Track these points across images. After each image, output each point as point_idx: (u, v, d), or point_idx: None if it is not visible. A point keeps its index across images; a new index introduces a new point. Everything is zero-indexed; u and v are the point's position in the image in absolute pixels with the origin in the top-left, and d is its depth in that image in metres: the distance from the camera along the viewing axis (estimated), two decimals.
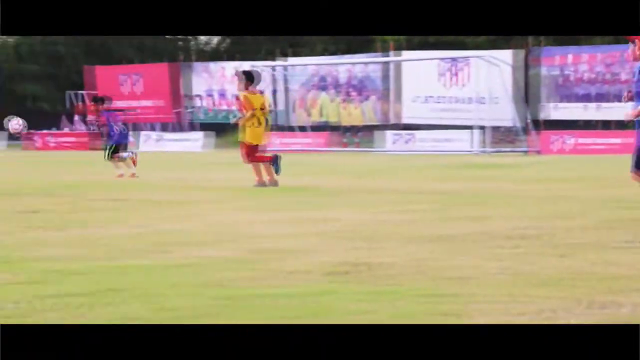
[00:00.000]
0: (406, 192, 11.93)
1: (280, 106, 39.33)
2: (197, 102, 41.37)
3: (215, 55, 55.88)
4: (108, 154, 16.95)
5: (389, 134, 34.81)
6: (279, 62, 41.16)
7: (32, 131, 41.81)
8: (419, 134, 33.70)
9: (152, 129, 43.22)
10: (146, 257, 6.02)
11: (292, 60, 39.80)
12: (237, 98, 13.78)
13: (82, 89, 45.59)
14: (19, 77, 61.49)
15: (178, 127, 42.77)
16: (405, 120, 36.42)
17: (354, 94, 37.75)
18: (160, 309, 4.32)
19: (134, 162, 16.87)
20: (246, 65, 40.38)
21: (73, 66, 60.95)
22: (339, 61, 38.50)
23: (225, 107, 40.64)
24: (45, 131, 42.70)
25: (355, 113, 37.77)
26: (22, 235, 7.31)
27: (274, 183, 13.05)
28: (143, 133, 40.38)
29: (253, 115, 13.38)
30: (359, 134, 38.37)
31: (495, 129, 33.34)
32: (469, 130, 32.78)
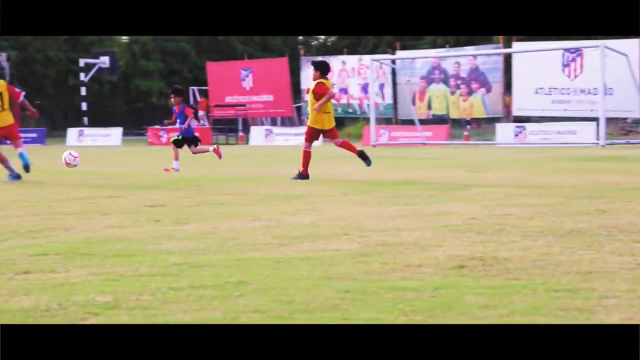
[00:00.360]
0: (522, 186, 11.67)
1: (389, 100, 39.16)
2: (306, 97, 41.56)
3: (331, 50, 56.18)
4: (175, 142, 17.21)
5: (500, 126, 34.24)
6: (387, 56, 40.94)
7: (157, 127, 42.72)
8: (530, 126, 33.02)
9: (274, 123, 43.59)
10: (273, 251, 6.02)
11: (400, 54, 39.51)
12: (318, 85, 13.79)
13: (205, 85, 46.32)
14: (143, 74, 62.99)
15: (289, 122, 43.02)
16: (517, 112, 35.82)
17: (463, 86, 37.28)
18: (289, 302, 4.30)
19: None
20: (354, 60, 40.50)
21: (196, 62, 62.14)
22: (449, 54, 38.02)
23: (333, 101, 40.74)
24: (170, 127, 43.49)
25: (465, 106, 37.31)
26: (152, 228, 7.40)
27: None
28: (255, 128, 40.70)
29: (333, 95, 13.87)
30: (468, 127, 37.94)
31: (616, 120, 32.30)
32: (583, 122, 31.97)
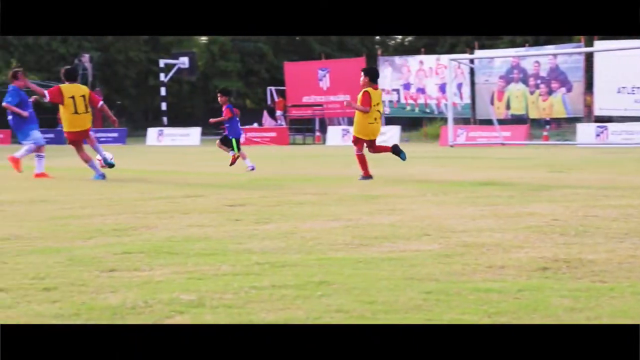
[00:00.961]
0: (605, 187, 11.45)
1: (467, 99, 38.85)
2: (386, 96, 41.41)
3: (408, 50, 56.00)
4: (237, 147, 17.30)
5: (581, 126, 33.67)
6: (465, 55, 40.59)
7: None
8: (612, 126, 32.40)
9: (350, 123, 43.60)
10: (353, 251, 6.02)
11: (479, 53, 39.13)
12: (363, 95, 13.83)
13: (282, 85, 46.55)
14: (221, 75, 63.59)
15: None
16: (598, 112, 35.21)
17: (542, 86, 36.78)
18: (371, 302, 4.29)
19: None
20: (431, 59, 40.28)
21: (274, 62, 62.55)
22: (529, 53, 37.54)
23: (410, 101, 40.54)
24: (247, 127, 43.85)
25: (545, 105, 36.79)
26: (233, 227, 7.46)
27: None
28: (332, 128, 40.75)
29: (368, 112, 13.73)
30: (547, 127, 37.41)
31: None
32: None
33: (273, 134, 41.33)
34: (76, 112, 14.29)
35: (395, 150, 14.07)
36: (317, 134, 42.78)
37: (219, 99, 17.99)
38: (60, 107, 14.39)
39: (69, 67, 15.35)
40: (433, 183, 12.63)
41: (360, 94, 13.95)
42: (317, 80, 43.12)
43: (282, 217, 8.21)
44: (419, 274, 5.05)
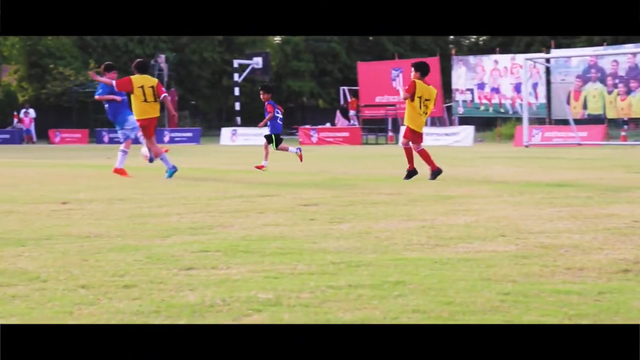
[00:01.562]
0: None
1: (542, 99, 38.34)
2: (459, 96, 41.10)
3: (482, 49, 55.56)
4: (276, 144, 17.61)
5: None
6: (541, 55, 40.04)
7: (308, 126, 43.27)
8: None
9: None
10: (429, 251, 6.00)
11: (555, 52, 38.57)
12: (411, 83, 14.05)
13: (355, 85, 46.55)
14: (294, 75, 63.86)
15: (439, 121, 42.70)
16: None
17: (621, 85, 36.10)
18: (448, 303, 4.27)
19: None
20: (506, 58, 39.83)
21: (347, 62, 62.62)
22: (607, 52, 36.89)
23: (484, 101, 40.15)
24: (320, 126, 43.97)
25: (623, 105, 36.12)
26: (307, 227, 7.49)
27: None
28: (404, 128, 40.60)
29: (406, 98, 13.96)
30: (626, 127, 36.72)
31: None
32: None
33: (346, 134, 41.34)
34: (145, 101, 14.62)
35: (436, 173, 13.88)
36: (390, 133, 42.68)
37: (261, 96, 18.26)
38: (131, 97, 14.73)
39: (140, 59, 15.65)
40: (509, 183, 12.50)
41: (436, 92, 14.05)
42: (390, 80, 42.99)
43: (356, 217, 8.21)
44: (496, 275, 5.01)
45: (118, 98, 16.09)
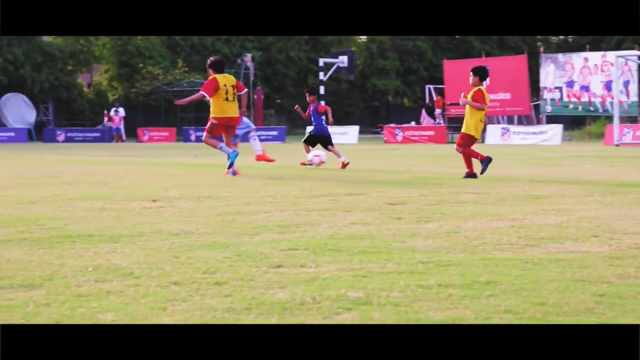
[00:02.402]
0: None
1: (634, 97, 37.52)
2: (547, 94, 40.47)
3: (572, 47, 54.67)
4: (306, 140, 18.24)
5: None
6: (633, 52, 39.16)
7: (393, 125, 43.18)
8: None
9: (510, 122, 42.91)
10: (520, 251, 5.93)
11: None
12: (477, 93, 13.97)
13: (440, 83, 46.27)
14: (379, 73, 63.78)
15: (530, 120, 42.13)
16: None
17: None
18: (541, 304, 4.22)
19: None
20: (597, 56, 39.07)
21: (433, 60, 62.31)
22: None
23: (573, 99, 39.44)
24: (405, 125, 43.82)
25: None
26: (395, 226, 7.47)
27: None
28: (491, 127, 40.11)
29: (483, 109, 13.93)
30: None
31: None
32: None
33: (431, 133, 41.11)
34: (227, 100, 14.78)
35: (487, 161, 13.79)
36: None
37: (307, 97, 18.48)
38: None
39: (216, 58, 15.79)
40: (599, 183, 12.27)
41: (473, 91, 13.85)
42: None
43: (444, 216, 8.16)
44: (590, 276, 4.92)
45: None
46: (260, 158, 16.98)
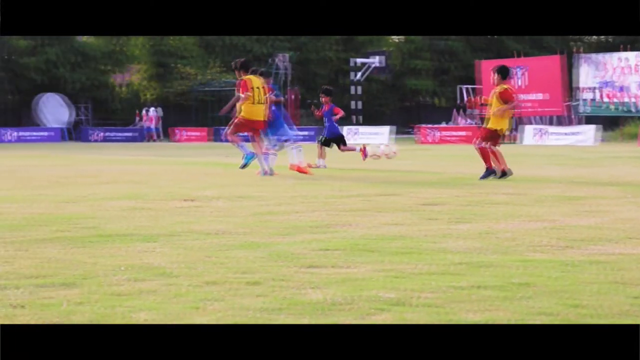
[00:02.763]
0: None
1: None
2: (582, 95, 40.15)
3: (608, 47, 54.17)
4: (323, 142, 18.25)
5: None
6: None
7: (424, 125, 43.05)
8: None
9: (544, 122, 42.58)
10: (557, 253, 5.90)
11: None
12: (506, 91, 13.88)
13: (474, 84, 46.05)
14: (413, 73, 63.58)
15: (565, 120, 41.81)
16: None
17: None
18: (576, 306, 4.20)
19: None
20: (633, 56, 38.68)
21: (467, 60, 61.99)
22: None
23: (614, 100, 39.10)
24: (437, 125, 43.67)
25: None
26: (428, 227, 7.46)
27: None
28: (526, 127, 39.85)
29: (514, 107, 14.22)
30: None
31: None
32: None
33: (464, 133, 40.94)
34: (258, 102, 14.78)
35: (489, 173, 13.80)
36: (514, 133, 42.02)
37: (321, 99, 18.52)
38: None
39: (244, 59, 15.79)
40: (635, 185, 12.18)
41: (499, 91, 13.84)
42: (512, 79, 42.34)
43: (477, 217, 8.14)
44: (626, 278, 4.89)
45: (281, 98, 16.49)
46: (297, 168, 16.30)
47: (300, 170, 15.40)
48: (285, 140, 16.04)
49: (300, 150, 15.78)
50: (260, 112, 14.90)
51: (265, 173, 14.57)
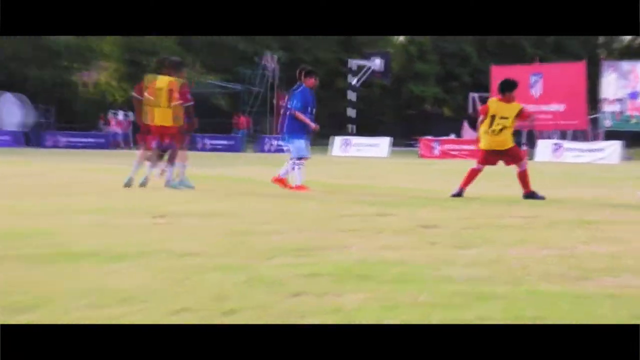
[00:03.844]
0: None
1: None
2: (606, 107, 40.31)
3: (637, 52, 54.35)
4: None
5: None
6: None
7: (429, 137, 43.14)
8: None
9: (563, 137, 42.61)
10: (570, 284, 5.92)
11: None
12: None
13: (486, 91, 46.14)
14: (417, 78, 63.58)
15: (584, 135, 41.90)
16: None
17: None
18: None
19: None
20: None
21: (478, 65, 61.93)
22: None
23: (636, 113, 39.26)
24: (444, 138, 43.69)
25: None
26: (429, 252, 7.48)
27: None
28: (540, 142, 39.88)
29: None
30: None
31: None
32: None
33: (473, 147, 41.03)
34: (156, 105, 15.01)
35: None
36: (524, 147, 42.15)
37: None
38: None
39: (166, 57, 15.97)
40: None
41: (519, 110, 14.77)
42: (527, 87, 42.40)
43: (484, 242, 8.16)
44: None
45: (313, 126, 17.09)
46: (279, 181, 16.30)
47: (284, 184, 15.49)
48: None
49: (300, 168, 15.84)
50: (161, 117, 14.98)
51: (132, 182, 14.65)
